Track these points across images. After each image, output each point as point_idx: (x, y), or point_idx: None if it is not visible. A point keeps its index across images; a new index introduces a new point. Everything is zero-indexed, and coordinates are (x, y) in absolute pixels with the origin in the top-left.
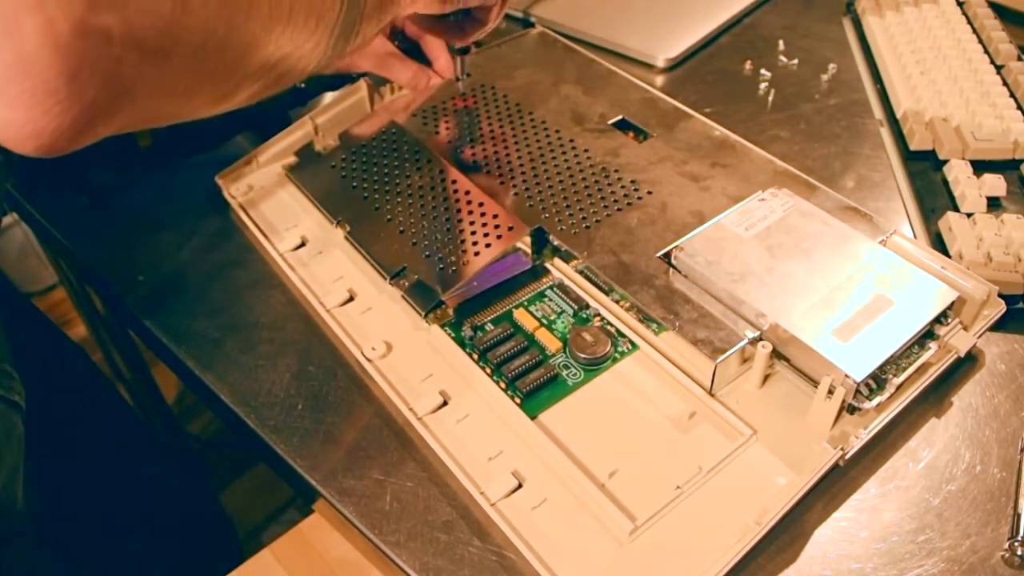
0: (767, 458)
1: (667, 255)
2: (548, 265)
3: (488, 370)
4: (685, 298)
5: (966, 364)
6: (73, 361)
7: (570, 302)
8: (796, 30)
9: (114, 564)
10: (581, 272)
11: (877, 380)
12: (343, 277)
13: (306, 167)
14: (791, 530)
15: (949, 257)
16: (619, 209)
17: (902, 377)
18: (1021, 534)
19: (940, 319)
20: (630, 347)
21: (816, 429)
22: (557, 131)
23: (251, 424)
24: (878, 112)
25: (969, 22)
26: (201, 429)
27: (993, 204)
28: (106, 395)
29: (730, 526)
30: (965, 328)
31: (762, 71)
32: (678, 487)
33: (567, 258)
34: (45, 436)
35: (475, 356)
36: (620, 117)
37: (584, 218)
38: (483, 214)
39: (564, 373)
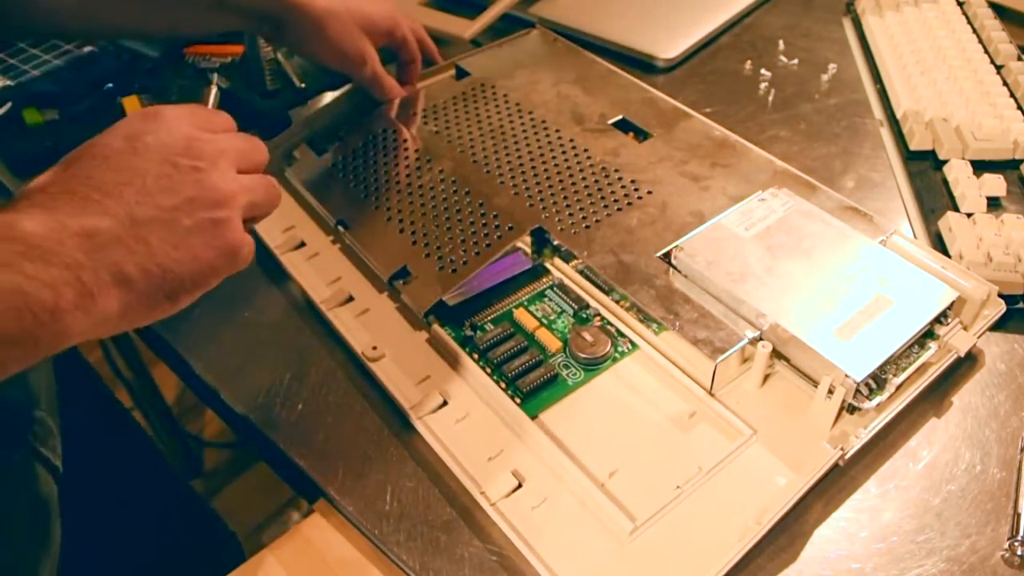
0: (767, 458)
1: (667, 255)
2: (548, 265)
3: (488, 370)
4: (685, 298)
5: (966, 364)
6: (102, 395)
7: (570, 302)
8: (796, 30)
9: None
10: (581, 272)
11: (877, 380)
12: (342, 277)
13: (305, 167)
14: (791, 530)
15: (949, 257)
16: (619, 209)
17: (902, 377)
18: (1021, 534)
19: (940, 319)
20: (630, 347)
21: (816, 429)
22: (557, 131)
23: (251, 424)
24: (878, 112)
25: (969, 22)
26: (201, 429)
27: (993, 204)
28: (134, 434)
29: (730, 526)
30: (965, 328)
31: (762, 71)
32: (678, 487)
33: (567, 258)
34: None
35: (475, 356)
36: (620, 117)
37: (584, 218)
38: (483, 214)
39: (564, 373)
